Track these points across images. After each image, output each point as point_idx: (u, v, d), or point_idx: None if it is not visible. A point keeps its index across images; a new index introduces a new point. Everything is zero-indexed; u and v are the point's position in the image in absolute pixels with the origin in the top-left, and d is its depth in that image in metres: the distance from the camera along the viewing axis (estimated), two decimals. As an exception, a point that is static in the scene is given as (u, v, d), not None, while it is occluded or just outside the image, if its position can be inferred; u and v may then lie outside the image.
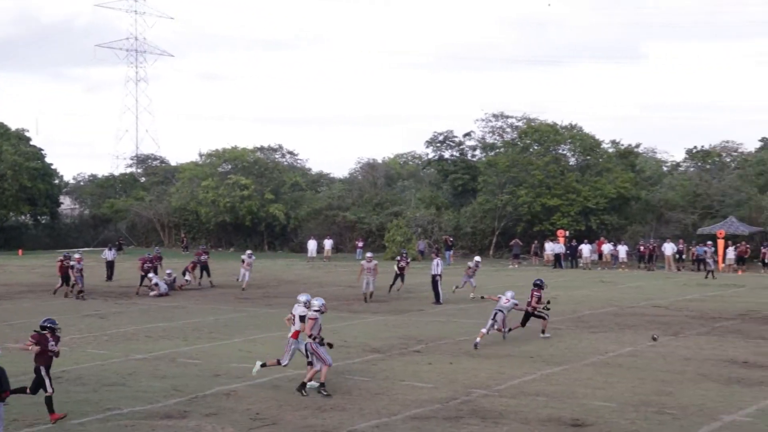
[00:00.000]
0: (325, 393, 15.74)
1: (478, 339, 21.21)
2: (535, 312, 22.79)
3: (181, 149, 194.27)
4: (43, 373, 14.05)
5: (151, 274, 34.43)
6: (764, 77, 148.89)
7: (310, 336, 16.15)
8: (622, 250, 50.75)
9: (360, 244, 58.33)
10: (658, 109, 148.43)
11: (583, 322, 25.95)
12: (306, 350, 16.24)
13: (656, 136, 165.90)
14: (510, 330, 22.68)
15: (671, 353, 20.48)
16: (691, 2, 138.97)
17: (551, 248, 52.46)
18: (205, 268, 38.12)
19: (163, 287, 34.04)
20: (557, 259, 51.42)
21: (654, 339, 22.28)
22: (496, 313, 21.98)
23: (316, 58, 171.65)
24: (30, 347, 14.18)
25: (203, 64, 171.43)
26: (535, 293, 22.84)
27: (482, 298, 27.35)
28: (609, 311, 28.91)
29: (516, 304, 22.41)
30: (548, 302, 23.19)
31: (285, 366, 17.08)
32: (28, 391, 14.01)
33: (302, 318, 16.88)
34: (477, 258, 35.23)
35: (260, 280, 40.35)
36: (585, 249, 51.40)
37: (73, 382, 17.11)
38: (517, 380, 17.26)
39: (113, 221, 78.45)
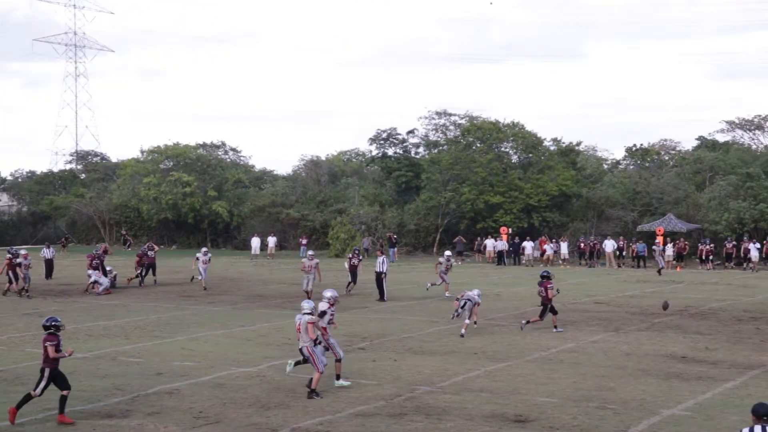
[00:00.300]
0: (318, 396, 15.51)
1: (463, 330, 22.51)
2: (551, 303, 23.67)
3: (122, 146, 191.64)
4: (45, 372, 14.03)
5: (90, 271, 33.94)
6: (702, 77, 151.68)
7: (315, 339, 15.92)
8: (564, 246, 51.31)
9: (304, 241, 58.17)
10: (599, 107, 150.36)
11: (525, 319, 26.16)
12: (302, 353, 15.90)
13: (597, 134, 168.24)
14: (528, 322, 23.74)
15: (612, 349, 20.77)
16: (631, 2, 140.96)
17: (494, 245, 52.86)
18: (151, 265, 37.67)
19: (105, 282, 33.59)
20: (500, 256, 51.84)
21: (665, 308, 26.10)
22: (465, 303, 22.95)
23: (261, 55, 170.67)
24: (70, 353, 14.37)
25: (144, 59, 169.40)
26: (547, 285, 23.62)
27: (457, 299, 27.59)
28: (551, 308, 29.16)
29: (479, 304, 23.42)
30: (557, 290, 24.27)
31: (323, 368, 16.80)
32: (64, 393, 14.01)
33: (322, 314, 16.64)
34: (447, 252, 34.93)
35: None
36: (527, 246, 51.88)
37: (12, 382, 16.82)
38: (461, 377, 17.36)
39: (53, 218, 77.25)
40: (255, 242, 57.23)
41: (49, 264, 40.45)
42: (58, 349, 14.08)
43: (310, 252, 33.22)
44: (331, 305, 16.83)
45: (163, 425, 13.66)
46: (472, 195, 57.38)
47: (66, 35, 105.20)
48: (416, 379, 17.08)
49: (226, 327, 24.48)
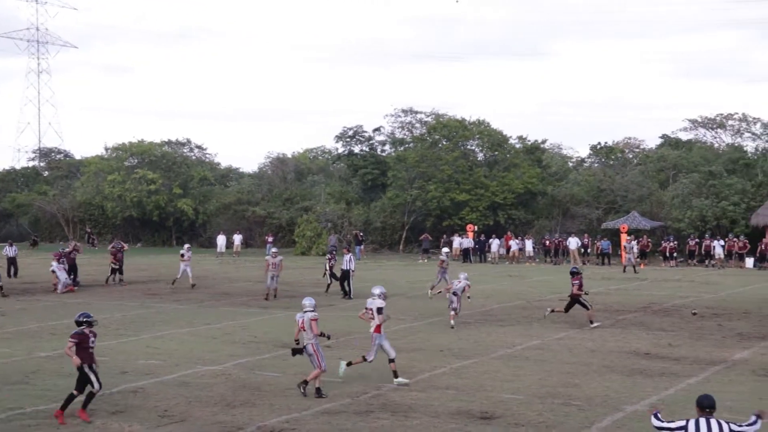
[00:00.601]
0: (319, 395, 15.45)
1: (452, 321, 23.65)
2: (579, 299, 24.18)
3: (86, 143, 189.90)
4: (86, 369, 13.83)
5: (54, 266, 33.58)
6: (664, 75, 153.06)
7: (320, 335, 15.83)
8: (529, 244, 51.59)
9: (270, 239, 57.99)
10: (563, 105, 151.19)
11: (491, 316, 26.31)
12: (306, 350, 15.74)
13: (561, 132, 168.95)
14: (552, 311, 24.76)
15: (577, 346, 20.92)
16: (594, 1, 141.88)
17: (460, 243, 53.03)
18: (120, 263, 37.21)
19: (63, 278, 33.28)
20: (466, 253, 52.02)
21: (694, 314, 26.10)
22: (451, 298, 24.03)
23: (227, 52, 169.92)
24: (71, 353, 13.90)
25: (108, 56, 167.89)
26: (573, 281, 24.32)
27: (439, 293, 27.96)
28: (517, 305, 29.36)
29: (468, 285, 24.85)
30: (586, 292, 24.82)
31: (371, 362, 16.76)
32: (74, 393, 13.88)
33: (380, 310, 16.57)
34: (445, 249, 35.87)
35: (168, 276, 39.76)
36: (493, 244, 52.11)
37: (-26, 382, 16.63)
38: (427, 374, 17.41)
39: (15, 216, 76.42)
40: (221, 240, 56.96)
41: (13, 262, 39.99)
42: (87, 345, 13.91)
43: (274, 249, 33.18)
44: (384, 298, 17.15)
45: (127, 424, 13.58)
46: (438, 192, 57.53)
47: (28, 31, 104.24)
48: (382, 377, 17.09)
49: (192, 325, 24.38)
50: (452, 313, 23.81)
